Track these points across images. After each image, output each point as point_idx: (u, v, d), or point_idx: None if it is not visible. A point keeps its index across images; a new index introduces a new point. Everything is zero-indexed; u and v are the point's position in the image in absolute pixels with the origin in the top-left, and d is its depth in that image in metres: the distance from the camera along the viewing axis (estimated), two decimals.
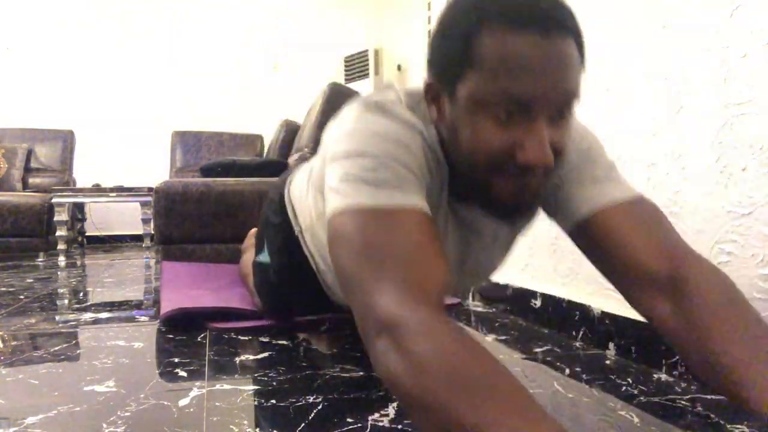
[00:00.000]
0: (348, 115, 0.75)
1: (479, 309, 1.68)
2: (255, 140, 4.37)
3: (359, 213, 0.66)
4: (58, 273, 2.68)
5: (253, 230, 2.29)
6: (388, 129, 0.71)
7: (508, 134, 0.64)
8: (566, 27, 0.62)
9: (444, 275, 0.64)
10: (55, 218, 3.49)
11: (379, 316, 0.58)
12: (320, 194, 0.89)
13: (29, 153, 4.07)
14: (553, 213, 0.84)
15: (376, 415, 0.83)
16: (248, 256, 1.89)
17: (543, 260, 1.49)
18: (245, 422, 0.80)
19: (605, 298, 1.25)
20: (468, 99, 0.66)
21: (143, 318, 1.55)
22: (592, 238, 0.78)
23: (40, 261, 3.30)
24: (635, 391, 0.94)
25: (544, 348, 1.22)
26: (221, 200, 2.57)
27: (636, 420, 0.81)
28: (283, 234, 1.17)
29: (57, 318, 1.56)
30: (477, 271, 0.93)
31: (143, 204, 3.71)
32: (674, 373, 1.02)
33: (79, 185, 4.18)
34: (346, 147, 0.70)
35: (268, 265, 1.29)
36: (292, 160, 2.85)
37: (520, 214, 0.74)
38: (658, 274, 0.72)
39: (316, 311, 1.44)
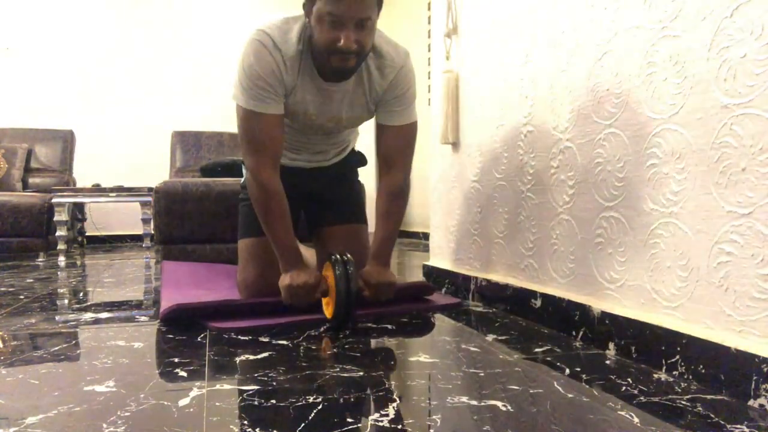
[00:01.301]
0: (244, 44, 1.40)
1: (479, 309, 1.68)
2: None
3: (242, 109, 1.41)
4: (58, 273, 2.68)
5: None
6: (252, 63, 1.37)
7: (333, 33, 1.29)
8: None
9: (279, 151, 1.46)
10: (55, 218, 3.49)
11: (248, 165, 1.45)
12: None
13: (29, 153, 4.07)
14: (375, 113, 1.56)
15: (376, 415, 0.83)
16: None
17: (543, 260, 1.49)
18: (245, 422, 0.80)
19: (605, 298, 1.25)
20: (315, 14, 1.31)
21: (143, 318, 1.55)
22: (378, 136, 1.55)
23: (40, 261, 3.30)
24: (635, 391, 0.94)
25: (544, 348, 1.22)
26: (221, 200, 2.57)
27: (636, 420, 0.81)
28: None
29: (57, 318, 1.56)
30: (332, 117, 1.53)
31: (143, 204, 3.71)
32: (674, 373, 1.02)
33: (79, 185, 4.18)
34: (237, 68, 1.40)
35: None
36: None
37: (345, 77, 1.42)
38: (384, 163, 1.55)
39: None
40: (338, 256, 1.39)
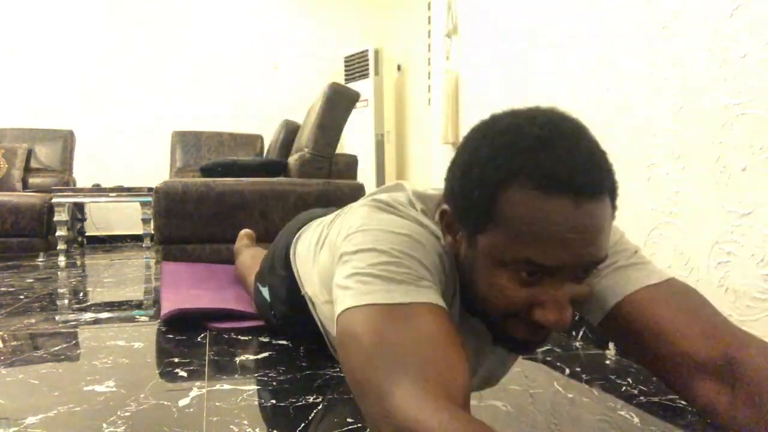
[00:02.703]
0: (357, 212, 0.72)
1: None
2: (255, 140, 4.38)
3: (370, 311, 0.59)
4: (58, 273, 2.68)
5: (244, 231, 2.29)
6: (400, 225, 0.67)
7: (527, 292, 0.61)
8: (601, 189, 0.57)
9: (466, 371, 0.58)
10: (55, 218, 3.49)
11: (399, 423, 0.51)
12: (326, 282, 0.84)
13: (29, 153, 4.07)
14: (580, 311, 0.74)
15: None
16: (243, 259, 1.88)
17: None
18: (245, 422, 0.80)
19: None
20: (488, 253, 0.61)
21: (143, 318, 1.55)
22: (624, 326, 0.69)
23: (40, 261, 3.30)
24: (635, 391, 0.94)
25: (544, 348, 1.22)
26: (221, 200, 2.57)
27: (636, 420, 0.81)
28: (287, 287, 1.13)
29: (57, 318, 1.56)
30: (489, 378, 0.85)
31: (143, 204, 3.71)
32: None
33: (79, 185, 4.18)
34: (355, 244, 0.66)
35: (268, 304, 1.27)
36: (292, 159, 2.84)
37: (529, 351, 0.70)
38: (708, 360, 0.63)
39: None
40: None
